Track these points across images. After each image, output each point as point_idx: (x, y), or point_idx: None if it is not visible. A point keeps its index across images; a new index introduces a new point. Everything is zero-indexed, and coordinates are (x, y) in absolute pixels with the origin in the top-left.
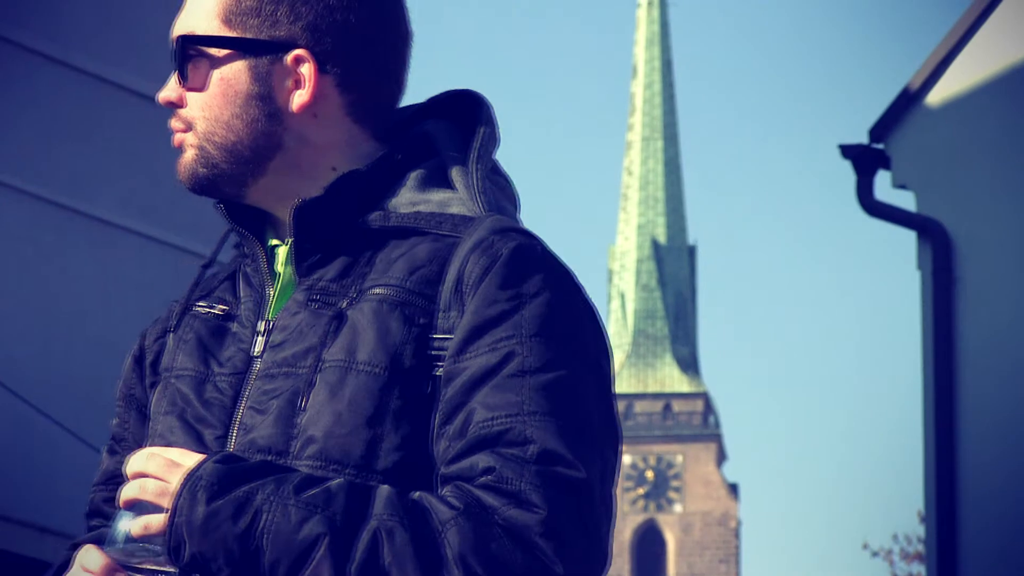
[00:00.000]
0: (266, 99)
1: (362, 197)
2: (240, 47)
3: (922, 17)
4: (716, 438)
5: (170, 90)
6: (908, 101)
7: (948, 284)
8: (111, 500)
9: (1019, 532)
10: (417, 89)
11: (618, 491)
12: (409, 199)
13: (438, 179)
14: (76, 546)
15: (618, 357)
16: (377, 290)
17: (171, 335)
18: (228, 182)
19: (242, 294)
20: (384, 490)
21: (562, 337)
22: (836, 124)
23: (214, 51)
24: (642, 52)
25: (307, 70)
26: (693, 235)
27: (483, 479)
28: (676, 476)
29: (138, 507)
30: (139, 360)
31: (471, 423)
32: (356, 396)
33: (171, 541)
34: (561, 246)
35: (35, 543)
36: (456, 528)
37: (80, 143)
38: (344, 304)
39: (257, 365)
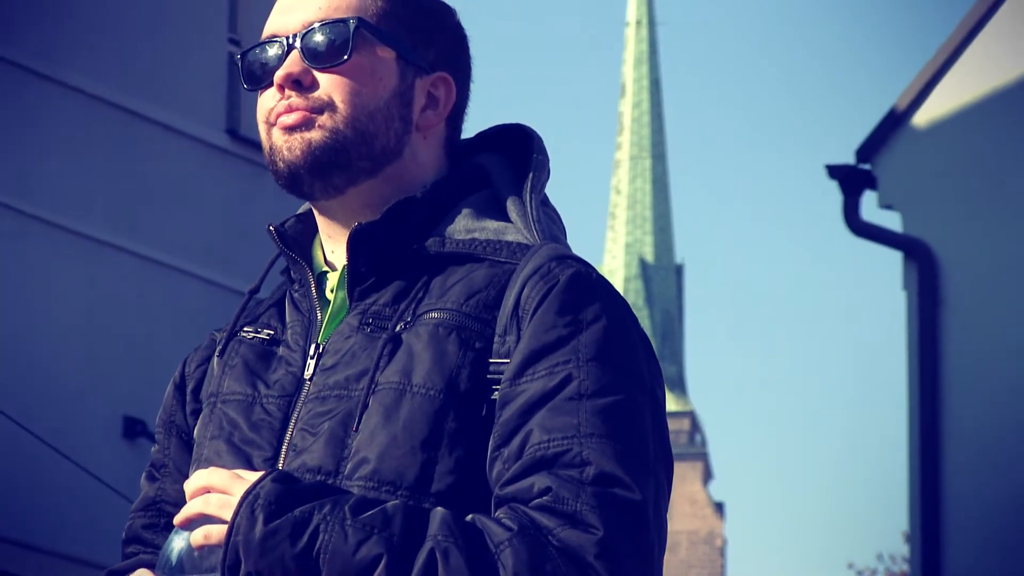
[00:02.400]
0: (407, 106)
1: (418, 224)
2: (403, 50)
3: (909, 39)
4: (702, 457)
5: (296, 65)
6: (895, 122)
7: (934, 304)
8: (151, 527)
9: (1003, 551)
10: None
11: None
12: (465, 226)
13: (493, 209)
14: (113, 574)
15: None
16: (433, 314)
17: (216, 360)
18: (345, 172)
19: (289, 319)
20: (439, 512)
21: (619, 363)
22: (823, 144)
23: (378, 45)
24: (630, 71)
25: (444, 94)
26: (681, 254)
27: (539, 500)
28: None
29: (196, 524)
30: (180, 387)
31: (527, 445)
32: (411, 418)
33: (228, 559)
34: None
35: (18, 560)
36: (511, 549)
37: (68, 160)
38: (399, 328)
39: (308, 388)
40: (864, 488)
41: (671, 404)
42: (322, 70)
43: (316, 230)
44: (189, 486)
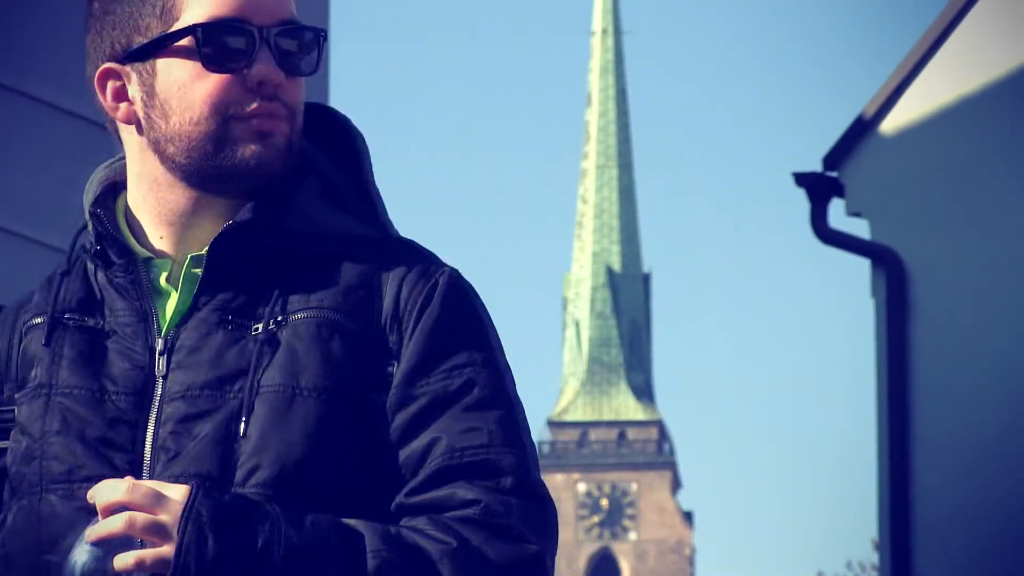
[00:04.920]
0: None
1: (275, 215)
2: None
3: (876, 47)
4: (671, 466)
5: (277, 73)
6: (862, 129)
7: (902, 312)
8: None
9: (973, 559)
10: (391, 118)
11: (572, 519)
12: (316, 219)
13: (331, 198)
14: None
15: (572, 385)
16: (307, 313)
17: (43, 348)
18: (284, 174)
19: (113, 307)
20: (370, 525)
21: (505, 365)
22: (790, 152)
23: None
24: (596, 80)
25: None
26: (648, 263)
27: (466, 512)
28: (631, 504)
29: (109, 542)
30: None
31: (435, 452)
32: (305, 423)
33: None
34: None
35: None
36: (450, 564)
37: (37, 171)
38: (270, 326)
39: (165, 386)
40: (833, 496)
41: (639, 413)
42: (290, 77)
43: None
44: (100, 500)
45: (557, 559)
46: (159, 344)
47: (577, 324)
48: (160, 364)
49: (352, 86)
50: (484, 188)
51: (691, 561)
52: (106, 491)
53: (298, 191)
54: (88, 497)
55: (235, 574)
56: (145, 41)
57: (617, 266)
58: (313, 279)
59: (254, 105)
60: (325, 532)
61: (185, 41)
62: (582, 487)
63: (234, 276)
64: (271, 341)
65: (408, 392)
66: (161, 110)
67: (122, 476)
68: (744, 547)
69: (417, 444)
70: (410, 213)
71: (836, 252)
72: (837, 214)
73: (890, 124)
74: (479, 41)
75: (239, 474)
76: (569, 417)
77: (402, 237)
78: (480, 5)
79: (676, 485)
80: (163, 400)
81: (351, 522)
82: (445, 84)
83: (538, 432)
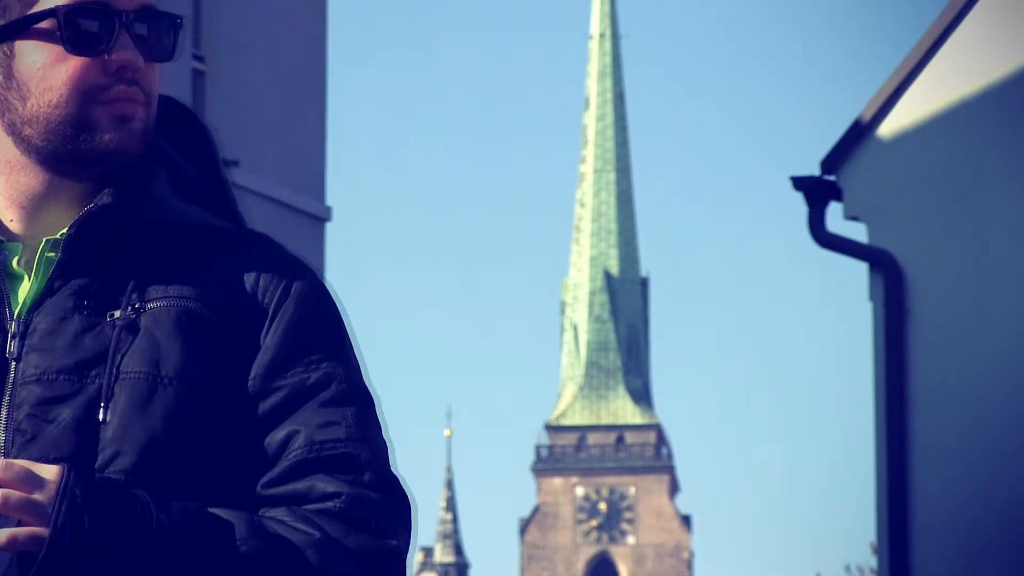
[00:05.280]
0: None
1: (131, 202)
2: None
3: (873, 50)
4: (669, 470)
5: (138, 58)
6: (860, 133)
7: (900, 315)
8: None
9: (971, 562)
10: (389, 122)
11: (571, 523)
12: (171, 207)
13: (187, 191)
14: None
15: (571, 389)
16: (165, 301)
17: None
18: (137, 161)
19: None
20: (237, 514)
21: (355, 354)
22: (788, 156)
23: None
24: (594, 84)
25: None
26: (646, 267)
27: (327, 504)
28: (629, 508)
29: None
30: None
31: (295, 445)
32: (168, 411)
33: (50, 559)
34: (513, 278)
35: None
36: (315, 556)
37: None
38: (129, 313)
39: (20, 368)
40: (831, 499)
41: (637, 417)
42: (148, 62)
43: None
44: None
45: (556, 563)
46: (12, 327)
47: (575, 328)
48: (12, 347)
49: (350, 90)
50: (482, 192)
51: (689, 565)
52: None
53: (152, 180)
54: None
55: (108, 555)
56: (4, 22)
57: (615, 270)
58: (172, 268)
59: (114, 89)
60: (194, 518)
61: (46, 24)
62: (580, 491)
63: (91, 261)
64: (130, 327)
65: (267, 384)
66: (19, 92)
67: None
68: (742, 551)
69: (276, 436)
70: (407, 216)
71: (834, 256)
72: (835, 218)
73: (888, 128)
74: (476, 45)
75: (100, 459)
76: (567, 421)
77: (258, 232)
78: (477, 9)
79: (674, 489)
80: (16, 383)
81: (216, 510)
82: (442, 88)
83: (536, 436)
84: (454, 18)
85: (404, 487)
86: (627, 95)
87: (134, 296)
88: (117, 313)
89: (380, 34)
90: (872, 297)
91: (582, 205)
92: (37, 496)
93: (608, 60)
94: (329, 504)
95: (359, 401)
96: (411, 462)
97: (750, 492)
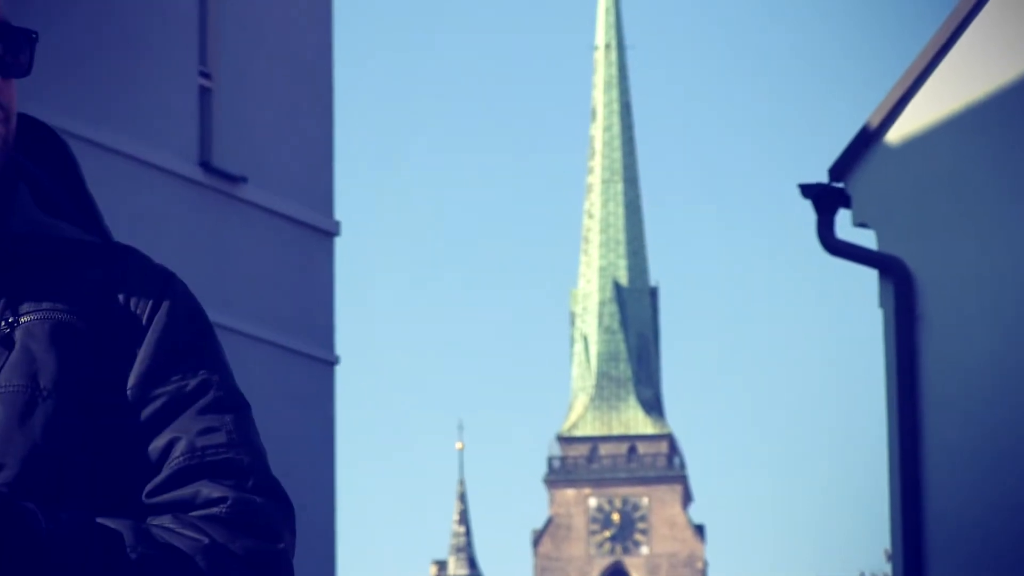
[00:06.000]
0: None
1: None
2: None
3: (880, 57)
4: (681, 479)
5: None
6: (867, 139)
7: (910, 322)
8: None
9: (985, 567)
10: (395, 133)
11: (584, 534)
12: (37, 223)
13: (49, 206)
14: None
15: (582, 400)
16: (38, 315)
17: None
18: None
19: None
20: (119, 522)
21: (226, 360)
22: (796, 163)
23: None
24: (601, 95)
25: None
26: (655, 277)
27: (212, 510)
28: (642, 518)
29: None
30: None
31: (176, 452)
32: (48, 425)
33: None
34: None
35: None
36: (204, 562)
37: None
38: (2, 327)
39: None
40: (845, 507)
41: (648, 427)
42: (5, 79)
43: None
44: None
45: (570, 574)
46: None
47: (585, 339)
48: None
49: (355, 99)
50: (490, 203)
51: (703, 574)
52: None
53: (15, 195)
54: None
55: (1, 568)
56: None
57: (624, 280)
58: (42, 281)
59: None
60: (84, 527)
61: None
62: (593, 502)
63: None
64: (4, 342)
65: (144, 393)
66: None
67: None
68: (756, 559)
69: (157, 444)
70: (415, 229)
71: (843, 263)
72: (844, 225)
73: (896, 134)
74: (483, 57)
75: None
76: (579, 432)
77: (124, 244)
78: (482, 20)
79: (687, 498)
80: None
81: (104, 520)
82: (449, 100)
83: (548, 447)
84: (460, 30)
85: (285, 493)
86: (634, 105)
87: (7, 311)
88: None
89: (386, 47)
90: (882, 303)
91: (590, 216)
92: None
93: (614, 71)
94: (215, 509)
95: (236, 407)
96: (423, 476)
97: (763, 500)
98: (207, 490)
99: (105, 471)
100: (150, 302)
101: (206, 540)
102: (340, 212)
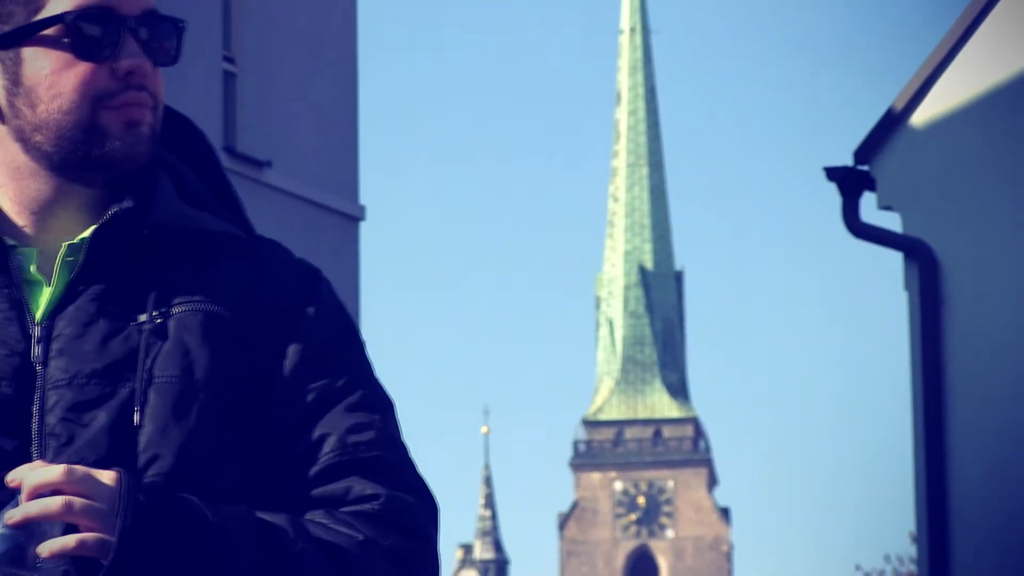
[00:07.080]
0: None
1: (147, 208)
2: None
3: (904, 39)
4: (707, 463)
5: (145, 62)
6: (892, 122)
7: (935, 304)
8: None
9: (1010, 549)
10: (421, 119)
11: (610, 517)
12: (184, 214)
13: (192, 198)
14: None
15: (607, 384)
16: (190, 306)
17: None
18: (145, 166)
19: None
20: (278, 516)
21: (369, 358)
22: (821, 147)
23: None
24: (626, 79)
25: None
26: (680, 261)
27: (365, 506)
28: (667, 501)
29: (30, 526)
30: None
31: (327, 447)
32: (204, 416)
33: (116, 565)
34: (548, 274)
35: None
36: (358, 557)
37: None
38: (155, 317)
39: (48, 372)
40: (870, 489)
41: (674, 411)
42: (154, 67)
43: None
44: (29, 482)
45: (595, 557)
46: (35, 332)
47: (611, 323)
48: (37, 351)
49: (380, 87)
50: (514, 188)
51: (729, 557)
52: (36, 474)
53: (158, 185)
54: (8, 480)
55: (171, 558)
56: (8, 29)
57: (649, 264)
58: (190, 273)
59: (123, 94)
60: (244, 521)
61: (52, 30)
62: (619, 485)
63: (112, 266)
64: (159, 332)
65: (293, 388)
66: (27, 98)
67: (12, 461)
68: (781, 542)
69: (306, 439)
70: (440, 214)
71: (868, 246)
72: (869, 208)
73: (920, 116)
74: (508, 42)
75: (138, 462)
76: (604, 416)
77: (268, 238)
78: (508, 7)
79: (712, 482)
80: (45, 387)
81: (262, 514)
82: (474, 84)
83: (574, 431)
84: (486, 14)
85: (431, 491)
86: (658, 89)
87: (159, 301)
88: (143, 317)
89: (411, 32)
90: (907, 286)
91: (615, 200)
92: (98, 502)
93: (639, 55)
94: (366, 506)
95: (384, 405)
96: (449, 460)
97: (788, 483)
98: (359, 486)
99: (253, 463)
100: (297, 297)
101: (360, 536)
102: (365, 197)
